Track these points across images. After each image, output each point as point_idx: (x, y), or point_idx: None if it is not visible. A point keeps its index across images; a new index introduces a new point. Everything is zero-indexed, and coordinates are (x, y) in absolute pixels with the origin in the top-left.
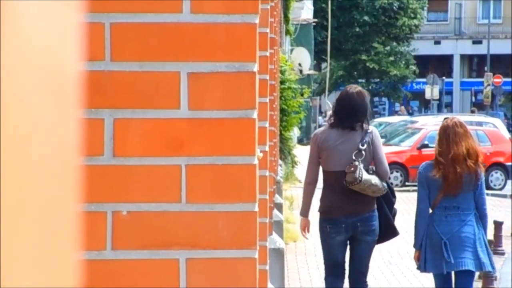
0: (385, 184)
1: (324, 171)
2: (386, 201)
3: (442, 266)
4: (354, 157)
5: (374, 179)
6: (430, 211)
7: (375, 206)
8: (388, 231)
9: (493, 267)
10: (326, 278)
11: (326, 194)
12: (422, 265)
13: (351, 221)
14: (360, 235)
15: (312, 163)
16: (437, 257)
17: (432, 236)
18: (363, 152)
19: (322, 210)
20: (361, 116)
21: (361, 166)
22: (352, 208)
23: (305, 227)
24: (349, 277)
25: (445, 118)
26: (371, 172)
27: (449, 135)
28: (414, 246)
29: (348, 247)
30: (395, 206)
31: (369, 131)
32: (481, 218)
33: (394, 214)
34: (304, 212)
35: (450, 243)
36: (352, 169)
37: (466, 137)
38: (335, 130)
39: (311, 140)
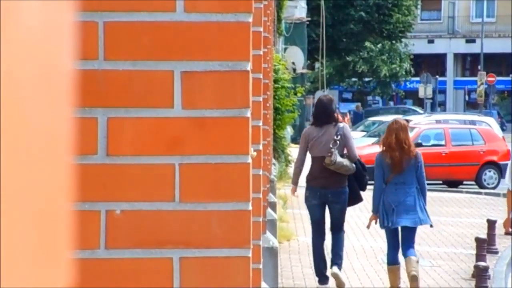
0: (354, 166)
1: (311, 157)
2: (357, 176)
3: (390, 224)
4: (331, 146)
5: (345, 161)
6: (384, 186)
7: (346, 183)
8: (355, 198)
9: (430, 223)
10: (312, 230)
11: (311, 171)
12: (381, 224)
13: (324, 192)
14: (329, 203)
15: (301, 153)
16: (388, 219)
17: (386, 204)
18: (338, 142)
19: (307, 180)
20: (329, 114)
21: (336, 152)
22: (326, 183)
23: (294, 191)
24: (330, 228)
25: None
26: (345, 156)
27: (388, 130)
28: (372, 211)
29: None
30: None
31: (341, 126)
32: (422, 190)
33: (366, 183)
34: (294, 182)
35: (397, 209)
36: (329, 154)
37: (399, 131)
38: (315, 127)
39: (301, 136)
